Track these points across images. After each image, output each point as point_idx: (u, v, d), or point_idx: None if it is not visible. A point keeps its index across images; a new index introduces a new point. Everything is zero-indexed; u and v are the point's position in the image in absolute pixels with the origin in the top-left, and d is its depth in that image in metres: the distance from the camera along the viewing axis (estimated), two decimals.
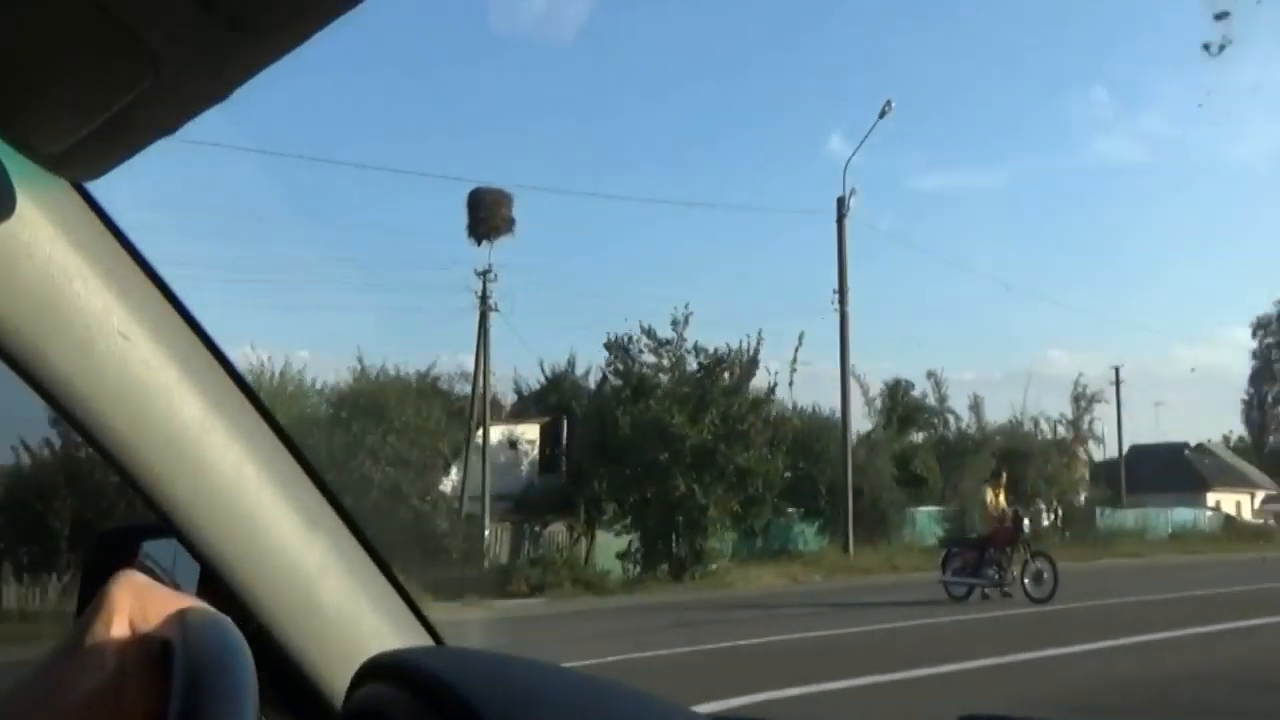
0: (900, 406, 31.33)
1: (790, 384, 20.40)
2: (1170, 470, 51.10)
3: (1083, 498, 41.20)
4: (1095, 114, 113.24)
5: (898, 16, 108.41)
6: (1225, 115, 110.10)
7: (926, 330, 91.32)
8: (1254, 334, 56.64)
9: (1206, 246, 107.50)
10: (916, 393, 31.85)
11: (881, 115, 22.27)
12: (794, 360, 20.15)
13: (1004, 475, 14.97)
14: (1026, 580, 13.16)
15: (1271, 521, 48.86)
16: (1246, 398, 57.13)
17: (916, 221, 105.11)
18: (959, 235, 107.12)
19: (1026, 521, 13.65)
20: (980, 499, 14.19)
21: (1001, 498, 14.19)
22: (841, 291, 22.77)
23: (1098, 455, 54.84)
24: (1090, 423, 31.37)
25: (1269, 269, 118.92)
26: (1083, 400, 31.06)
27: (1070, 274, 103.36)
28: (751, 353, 20.13)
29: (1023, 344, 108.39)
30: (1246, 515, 50.58)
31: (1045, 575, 13.24)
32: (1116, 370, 41.32)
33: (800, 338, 20.18)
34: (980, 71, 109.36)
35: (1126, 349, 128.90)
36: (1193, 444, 63.69)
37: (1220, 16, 6.74)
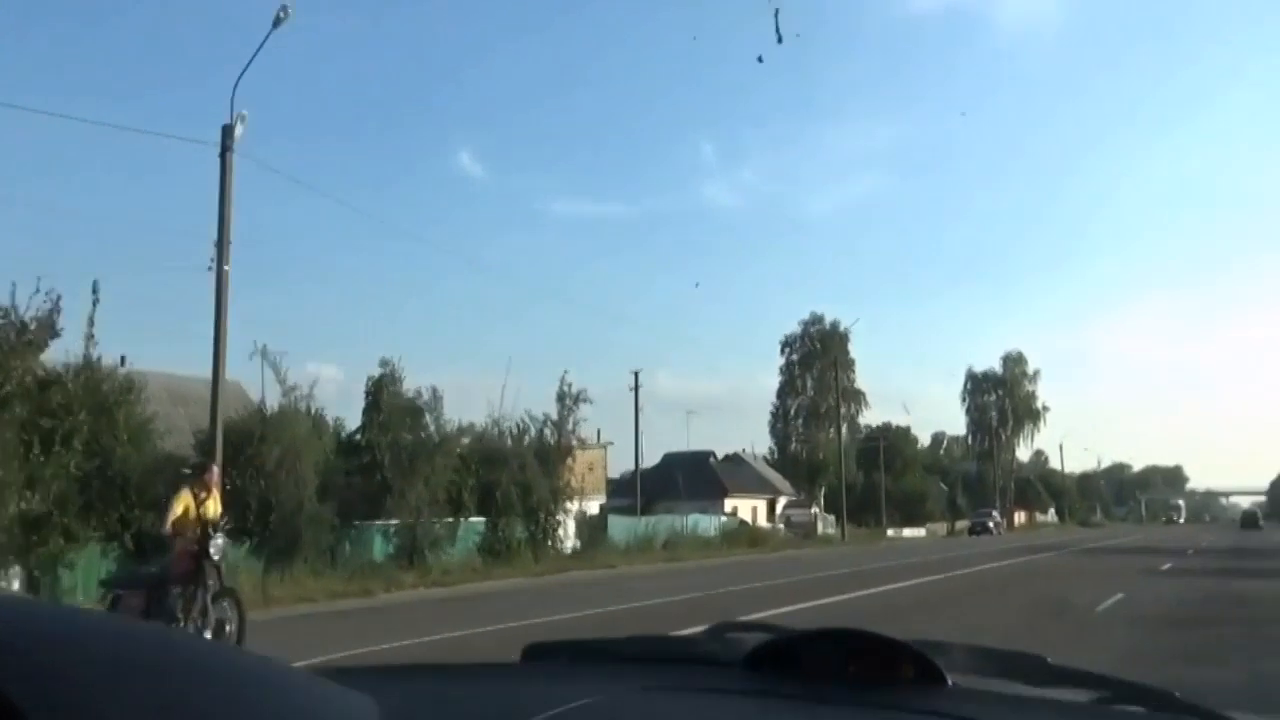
0: (384, 405, 26.75)
1: (90, 354, 14.72)
2: (698, 477, 52.00)
3: (597, 506, 39.59)
4: (704, 163, 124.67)
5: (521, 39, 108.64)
6: (801, 178, 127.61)
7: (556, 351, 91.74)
8: (782, 351, 60.13)
9: (776, 277, 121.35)
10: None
11: (276, 24, 17.39)
12: (90, 326, 14.53)
13: (213, 471, 10.06)
14: (206, 634, 8.60)
15: (781, 526, 51.30)
16: (774, 409, 60.32)
17: (546, 239, 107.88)
18: (577, 256, 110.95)
19: (219, 542, 8.88)
20: (185, 506, 9.13)
21: (213, 504, 9.36)
22: (221, 245, 17.48)
23: (643, 464, 54.92)
24: (575, 425, 28.67)
25: (807, 296, 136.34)
26: (567, 399, 28.35)
27: (671, 299, 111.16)
28: (42, 312, 14.18)
29: (632, 363, 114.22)
30: (762, 520, 52.84)
31: (229, 626, 8.82)
32: (636, 375, 40.03)
33: (95, 288, 14.55)
34: (614, 111, 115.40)
35: (715, 367, 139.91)
36: (733, 453, 66.79)
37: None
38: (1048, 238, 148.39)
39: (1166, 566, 22.70)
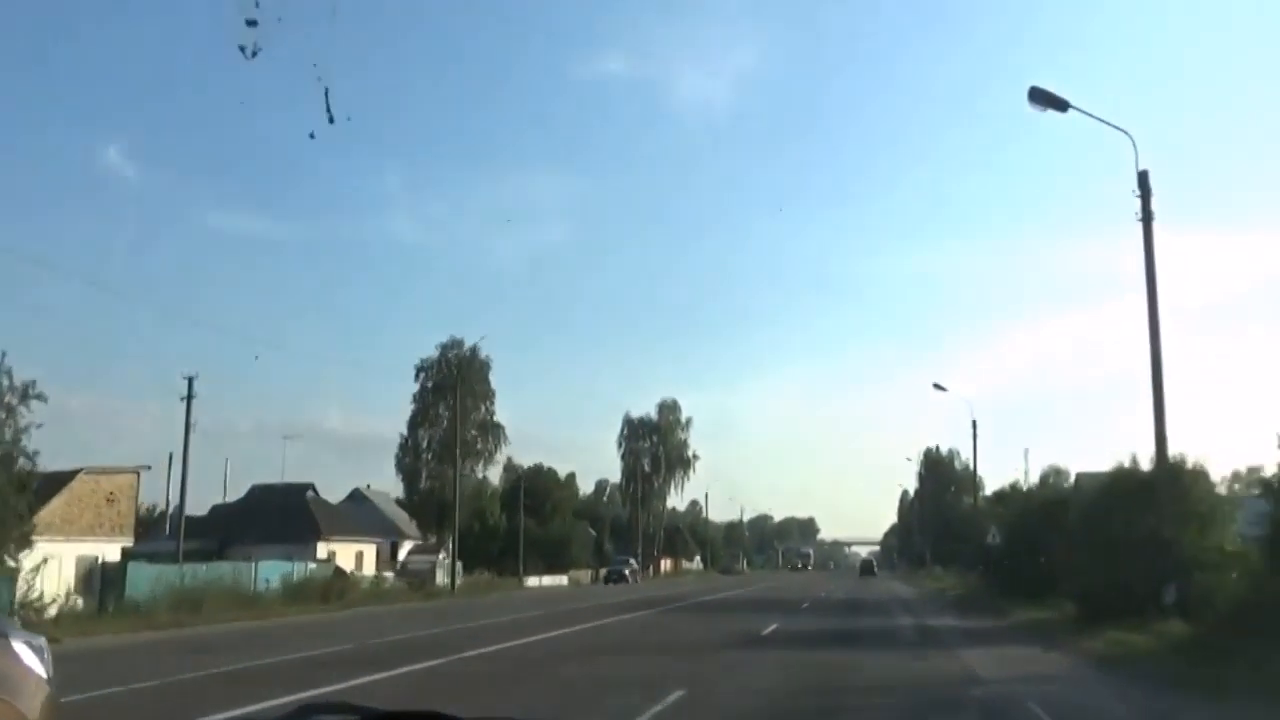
0: None
1: None
2: (292, 516, 42.99)
3: (117, 550, 29.76)
4: (390, 194, 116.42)
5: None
6: (487, 219, 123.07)
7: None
8: (417, 377, 52.79)
9: (451, 316, 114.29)
10: None
11: None
12: None
13: None
14: None
15: (389, 574, 43.53)
16: (403, 442, 52.53)
17: (204, 254, 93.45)
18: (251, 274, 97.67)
19: None
20: None
21: None
22: None
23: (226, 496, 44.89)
24: (19, 433, 19.46)
25: (455, 321, 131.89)
26: (6, 396, 19.19)
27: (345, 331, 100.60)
28: None
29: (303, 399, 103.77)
30: (370, 567, 44.82)
31: None
32: (190, 381, 30.86)
33: None
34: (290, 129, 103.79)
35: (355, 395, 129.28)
36: (356, 489, 57.99)
37: (251, 23, 7.18)
38: (714, 302, 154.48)
39: (770, 630, 18.17)
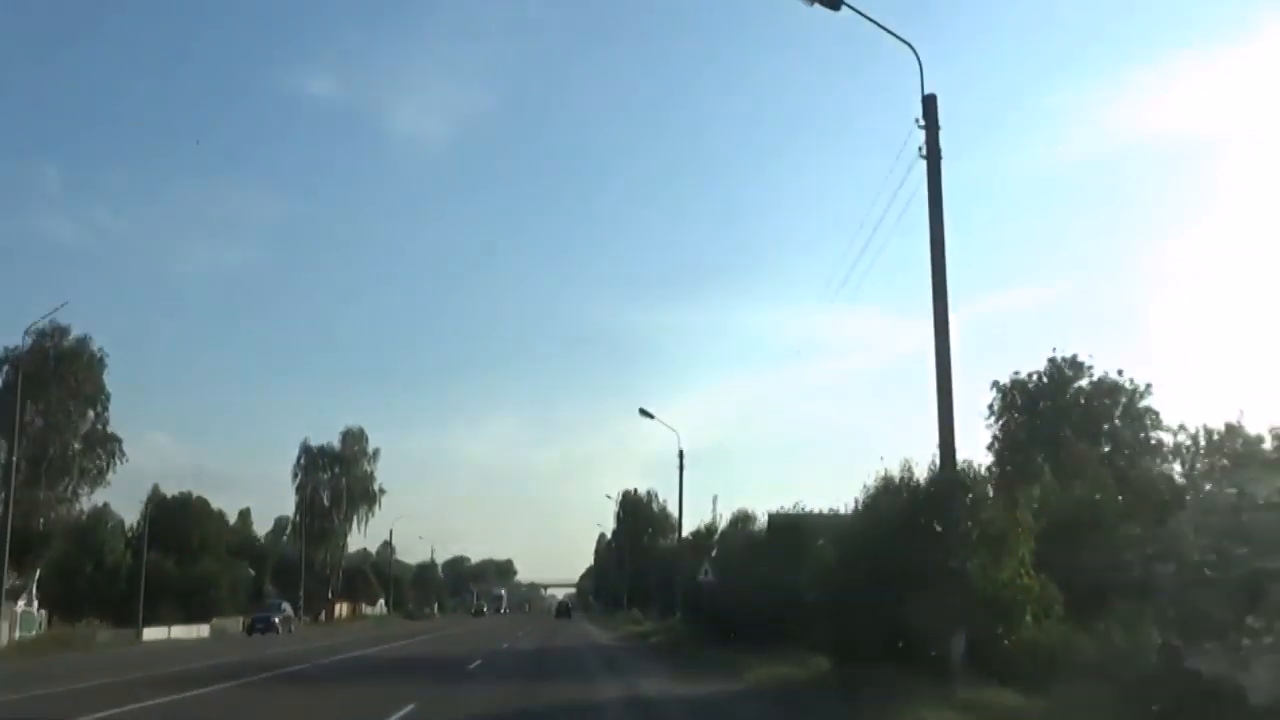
0: None
1: None
2: None
3: None
4: (46, 191, 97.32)
5: None
6: (171, 234, 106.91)
7: None
8: None
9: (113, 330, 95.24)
10: None
11: None
12: None
13: None
14: None
15: None
16: None
17: None
18: None
19: None
20: None
21: None
22: None
23: None
24: None
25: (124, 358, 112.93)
26: None
27: None
28: None
29: None
30: None
31: None
32: None
33: None
34: None
35: None
36: None
37: None
38: (420, 344, 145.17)
39: (401, 714, 10.98)
